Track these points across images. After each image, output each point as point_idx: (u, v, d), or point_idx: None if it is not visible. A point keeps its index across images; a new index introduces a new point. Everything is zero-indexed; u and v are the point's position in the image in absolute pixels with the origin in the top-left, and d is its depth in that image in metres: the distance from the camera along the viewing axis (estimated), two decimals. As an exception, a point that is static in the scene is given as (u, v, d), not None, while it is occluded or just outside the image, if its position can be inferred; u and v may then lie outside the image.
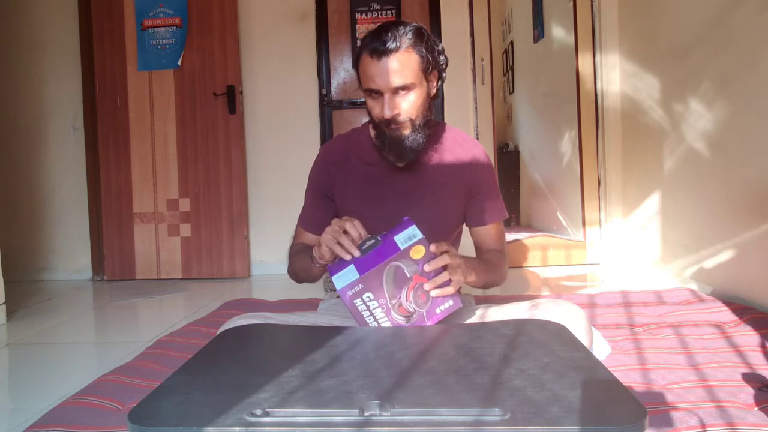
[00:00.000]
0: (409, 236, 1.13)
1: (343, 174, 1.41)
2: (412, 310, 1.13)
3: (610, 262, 3.38)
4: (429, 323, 1.14)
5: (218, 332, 1.16)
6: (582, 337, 1.13)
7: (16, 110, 3.61)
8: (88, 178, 3.55)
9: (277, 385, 0.77)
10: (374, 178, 1.38)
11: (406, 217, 1.17)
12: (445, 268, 1.13)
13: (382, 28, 1.25)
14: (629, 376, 1.43)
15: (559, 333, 0.98)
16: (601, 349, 1.56)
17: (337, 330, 1.06)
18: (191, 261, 3.44)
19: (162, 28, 3.41)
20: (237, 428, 0.65)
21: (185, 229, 3.45)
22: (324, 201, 1.45)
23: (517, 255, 3.45)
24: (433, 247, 1.12)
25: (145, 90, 3.44)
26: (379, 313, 1.14)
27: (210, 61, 3.39)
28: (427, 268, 1.11)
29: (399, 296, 1.13)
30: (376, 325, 1.14)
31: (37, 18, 3.57)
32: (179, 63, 3.38)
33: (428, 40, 1.29)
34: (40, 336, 2.29)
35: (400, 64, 1.23)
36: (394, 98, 1.26)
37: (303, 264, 1.35)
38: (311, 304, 2.17)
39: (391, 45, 1.22)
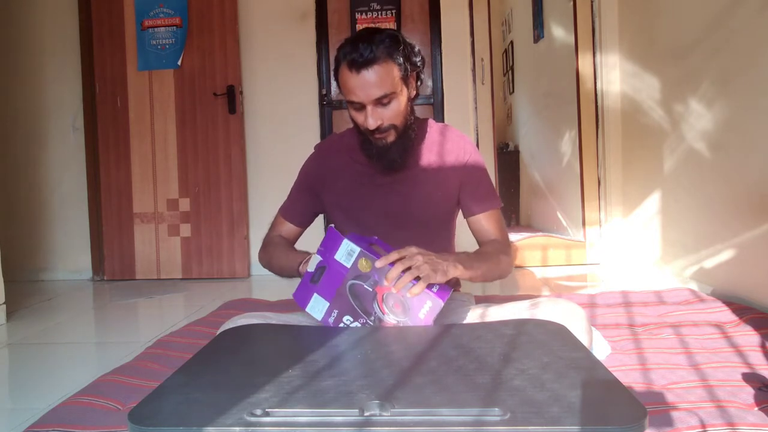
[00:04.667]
0: (347, 252, 1.12)
1: (336, 172, 1.43)
2: (394, 321, 1.11)
3: (610, 262, 3.38)
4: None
5: (218, 332, 1.16)
6: (582, 336, 1.13)
7: (16, 110, 3.61)
8: (88, 178, 3.55)
9: (277, 385, 0.77)
10: (366, 176, 1.40)
11: (331, 226, 1.18)
12: (407, 270, 1.10)
13: (358, 37, 1.25)
14: (629, 376, 1.43)
15: (559, 333, 0.98)
16: (601, 349, 1.56)
17: (337, 330, 1.06)
18: (191, 261, 3.44)
19: (162, 28, 3.41)
20: (237, 428, 0.65)
21: (185, 229, 3.45)
22: (309, 194, 1.48)
23: (517, 255, 3.45)
24: (379, 263, 1.09)
25: (145, 90, 3.44)
26: None
27: (210, 61, 3.39)
28: (387, 283, 1.08)
29: (374, 312, 1.11)
30: None
31: (37, 18, 3.57)
32: (179, 63, 3.38)
33: (404, 45, 1.29)
34: (40, 336, 2.29)
35: (379, 76, 1.23)
36: (376, 109, 1.26)
37: (282, 263, 1.38)
38: (311, 304, 2.17)
39: (368, 56, 1.21)
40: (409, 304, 1.09)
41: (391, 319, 1.10)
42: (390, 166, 1.34)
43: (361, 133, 1.34)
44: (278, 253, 1.41)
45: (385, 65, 1.23)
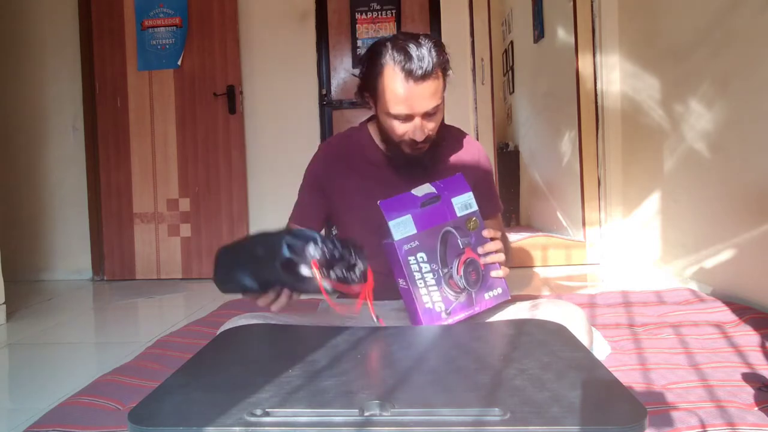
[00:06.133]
0: (465, 204, 1.15)
1: (346, 170, 1.40)
2: (461, 286, 1.13)
3: (610, 262, 3.38)
4: (477, 308, 1.15)
5: (218, 332, 1.16)
6: (582, 337, 1.13)
7: (16, 110, 3.61)
8: (88, 178, 3.55)
9: (277, 385, 0.77)
10: (379, 177, 1.38)
11: (460, 173, 1.19)
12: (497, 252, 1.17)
13: (409, 44, 1.20)
14: (629, 376, 1.43)
15: (559, 333, 0.98)
16: (601, 349, 1.56)
17: (337, 330, 1.06)
18: (191, 261, 3.44)
19: (162, 28, 3.41)
20: (237, 428, 0.65)
21: (185, 229, 3.45)
22: (319, 195, 1.43)
23: (518, 255, 3.45)
24: (486, 232, 1.15)
25: (145, 90, 3.44)
26: (430, 279, 1.12)
27: (210, 61, 3.39)
28: (481, 250, 1.14)
29: (451, 267, 1.13)
30: (426, 291, 1.12)
31: (37, 18, 3.57)
32: (179, 63, 3.38)
33: (445, 53, 1.27)
34: (40, 336, 2.29)
35: (435, 87, 1.22)
36: (424, 120, 1.25)
37: None
38: (311, 305, 2.17)
39: (428, 68, 1.19)
40: (483, 280, 1.15)
41: (461, 282, 1.13)
42: (422, 174, 1.32)
43: (390, 143, 1.31)
44: None
45: (437, 77, 1.22)
